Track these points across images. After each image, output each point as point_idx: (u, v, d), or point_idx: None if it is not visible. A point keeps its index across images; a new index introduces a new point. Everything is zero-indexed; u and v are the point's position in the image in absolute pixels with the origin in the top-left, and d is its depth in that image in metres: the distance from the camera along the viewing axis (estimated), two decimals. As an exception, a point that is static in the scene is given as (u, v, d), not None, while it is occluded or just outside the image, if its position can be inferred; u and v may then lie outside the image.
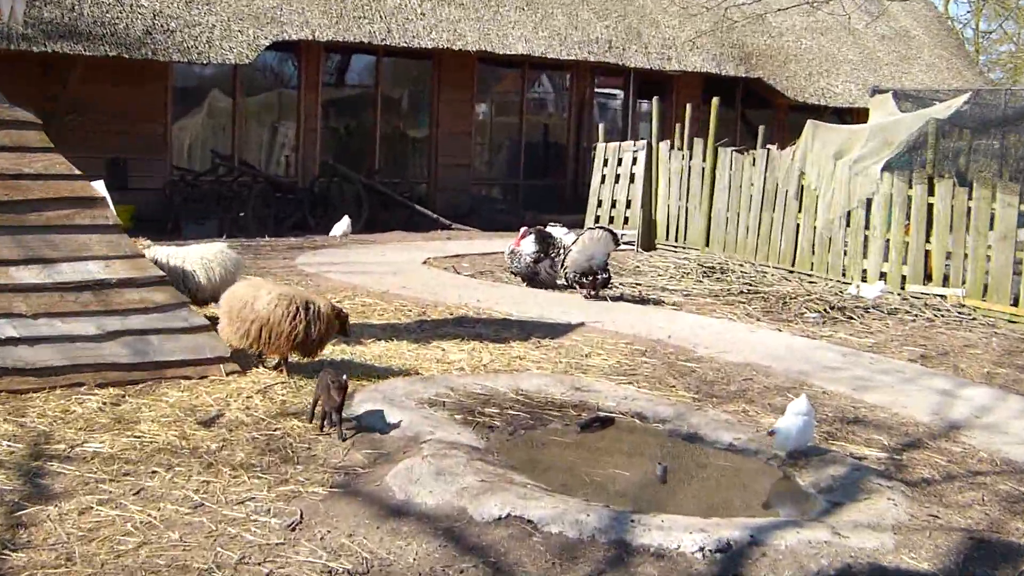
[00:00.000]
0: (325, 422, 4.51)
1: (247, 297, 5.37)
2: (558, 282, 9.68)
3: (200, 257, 6.54)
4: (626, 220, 13.66)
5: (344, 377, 4.48)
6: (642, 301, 9.10)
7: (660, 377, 6.03)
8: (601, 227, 9.21)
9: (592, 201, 14.15)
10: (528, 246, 9.63)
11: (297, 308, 5.21)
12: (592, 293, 9.02)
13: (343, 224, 13.18)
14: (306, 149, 15.43)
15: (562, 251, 9.57)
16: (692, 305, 9.01)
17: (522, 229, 9.87)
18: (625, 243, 13.52)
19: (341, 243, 13.00)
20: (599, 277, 8.94)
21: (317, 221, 14.38)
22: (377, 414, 4.80)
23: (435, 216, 15.78)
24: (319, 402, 4.56)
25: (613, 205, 13.85)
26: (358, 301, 8.19)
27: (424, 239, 14.45)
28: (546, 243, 9.64)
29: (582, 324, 7.58)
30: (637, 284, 10.09)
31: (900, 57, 20.88)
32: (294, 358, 5.51)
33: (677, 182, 12.94)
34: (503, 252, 10.07)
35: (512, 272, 9.81)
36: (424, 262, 11.26)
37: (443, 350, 6.46)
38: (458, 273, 10.41)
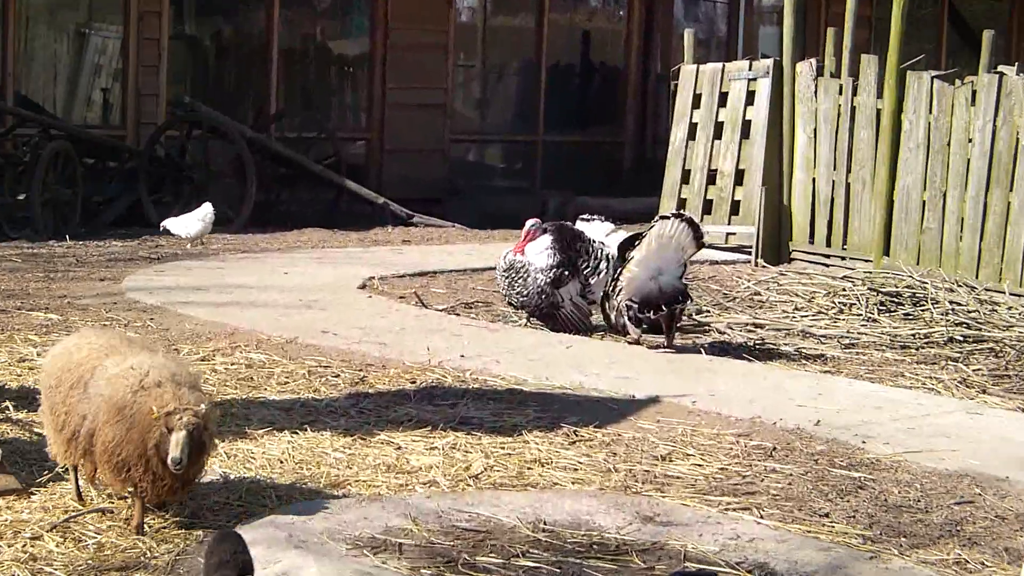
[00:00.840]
0: None
1: (84, 367, 5.37)
2: (596, 320, 9.73)
3: None
4: (735, 207, 13.71)
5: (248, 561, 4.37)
6: (765, 355, 9.10)
7: (801, 498, 6.02)
8: (675, 215, 9.22)
9: (672, 172, 14.21)
10: (540, 255, 9.68)
11: (137, 390, 5.17)
12: (667, 341, 9.07)
13: (199, 215, 13.23)
14: (143, 77, 15.57)
15: (604, 263, 9.59)
16: (859, 364, 9.00)
17: (528, 224, 9.90)
18: (730, 249, 13.55)
19: (208, 250, 13.05)
20: (676, 307, 8.98)
21: (164, 210, 14.45)
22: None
23: (382, 201, 15.89)
24: None
25: (711, 180, 13.91)
26: (240, 358, 8.21)
27: (362, 242, 14.48)
28: (573, 249, 9.70)
29: (655, 400, 7.58)
30: (756, 324, 10.10)
31: None
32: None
33: (829, 136, 13.00)
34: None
35: (512, 304, 9.86)
36: (363, 286, 11.29)
37: (399, 448, 6.46)
38: (425, 306, 10.44)
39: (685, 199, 14.02)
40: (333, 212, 15.86)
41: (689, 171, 14.06)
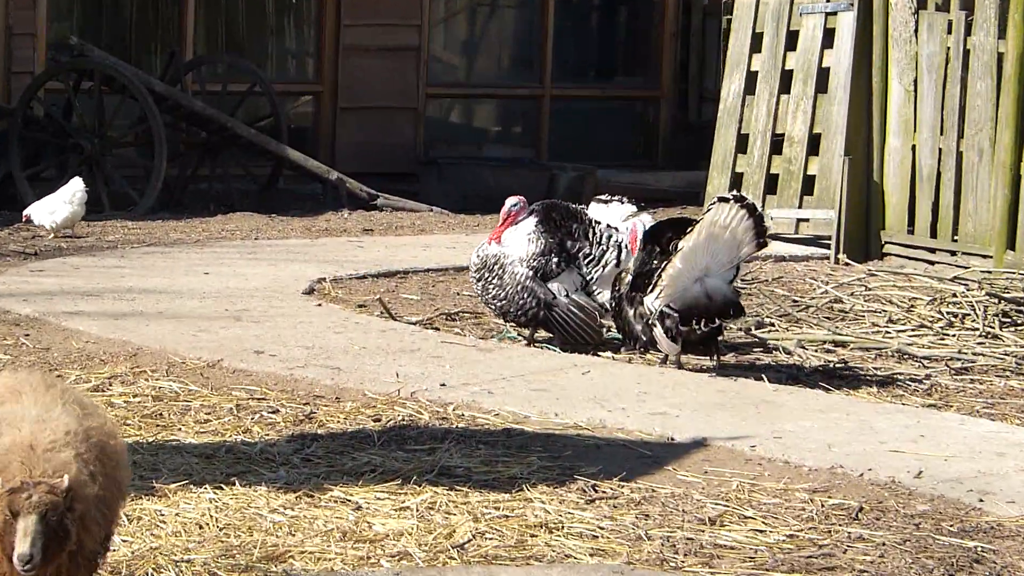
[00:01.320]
0: None
1: None
2: (610, 332, 9.77)
3: None
4: (808, 185, 13.70)
5: None
6: (848, 383, 9.10)
7: (897, 575, 6.01)
8: (736, 198, 9.19)
9: (724, 138, 14.20)
10: (519, 242, 9.75)
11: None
12: (715, 362, 9.13)
13: (65, 196, 13.13)
14: (15, 12, 15.55)
15: (613, 253, 9.60)
16: (974, 395, 8.99)
17: (508, 204, 9.94)
18: (802, 240, 13.52)
19: (102, 242, 13.03)
20: (728, 322, 9.03)
21: (46, 188, 14.42)
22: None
23: (336, 176, 15.86)
24: None
25: (776, 148, 13.89)
26: (146, 388, 8.21)
27: (309, 232, 14.45)
28: (566, 231, 9.76)
29: (701, 443, 7.57)
30: (837, 341, 10.10)
31: None
32: None
33: (934, 90, 13.00)
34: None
35: (495, 311, 9.95)
36: (310, 290, 11.29)
37: (358, 508, 6.45)
38: (393, 318, 10.44)
39: (741, 173, 14.02)
40: (270, 191, 15.85)
41: (747, 136, 14.06)
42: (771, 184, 13.88)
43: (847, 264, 12.95)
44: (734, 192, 10.05)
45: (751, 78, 14.05)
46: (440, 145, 17.56)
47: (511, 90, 18.63)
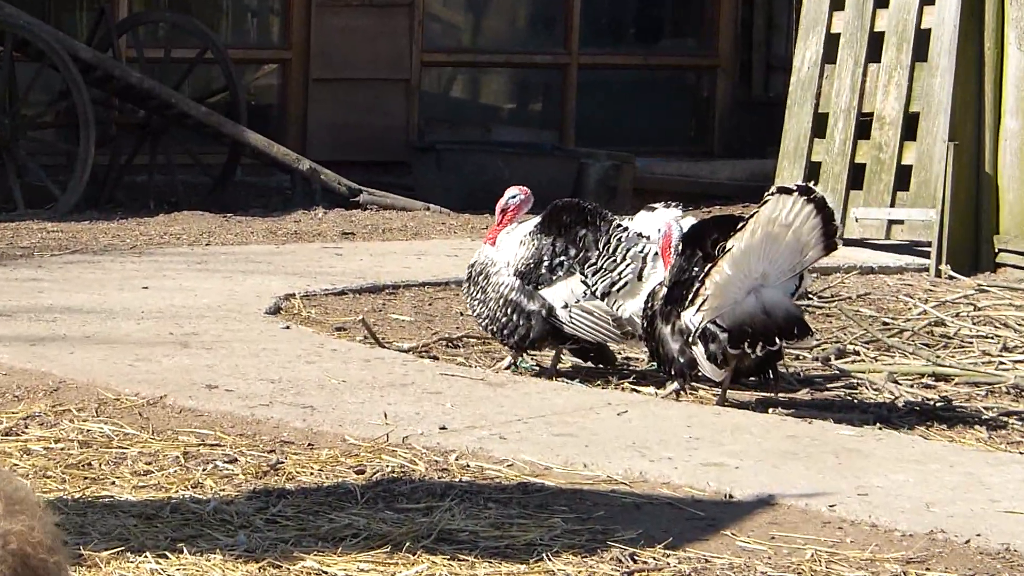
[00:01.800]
0: None
1: None
2: (652, 364, 9.88)
3: None
4: (902, 177, 13.73)
5: None
6: (951, 426, 9.14)
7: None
8: (800, 188, 9.21)
9: (797, 119, 14.24)
10: (510, 247, 9.89)
11: None
12: (774, 392, 9.24)
13: None
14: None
15: (629, 265, 9.64)
16: (1112, 442, 9.01)
17: (508, 194, 10.06)
18: (894, 247, 13.54)
19: (15, 248, 13.09)
20: (792, 343, 9.11)
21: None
22: None
23: (308, 166, 15.91)
24: None
25: (863, 131, 13.92)
26: (70, 431, 8.27)
27: (274, 236, 14.51)
28: (570, 236, 9.85)
29: (766, 501, 7.60)
30: (936, 373, 10.12)
31: None
32: None
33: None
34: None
35: (485, 328, 10.07)
36: (275, 309, 11.37)
37: (336, 583, 6.49)
38: (380, 344, 10.48)
39: (818, 163, 14.06)
40: (225, 185, 15.91)
41: (825, 116, 14.10)
42: (856, 176, 13.91)
43: (951, 277, 12.98)
44: (797, 183, 10.07)
45: (831, 42, 14.09)
46: (439, 127, 17.61)
47: (529, 57, 18.68)
